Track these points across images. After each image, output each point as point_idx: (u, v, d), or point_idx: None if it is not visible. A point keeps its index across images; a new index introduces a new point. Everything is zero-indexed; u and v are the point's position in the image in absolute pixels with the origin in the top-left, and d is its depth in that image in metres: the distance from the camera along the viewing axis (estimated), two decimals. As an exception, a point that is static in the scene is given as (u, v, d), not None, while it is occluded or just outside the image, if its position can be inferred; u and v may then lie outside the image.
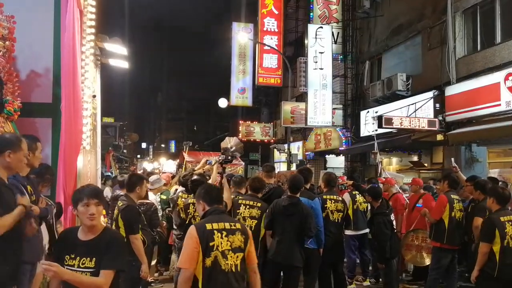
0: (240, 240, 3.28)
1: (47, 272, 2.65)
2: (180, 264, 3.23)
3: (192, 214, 5.37)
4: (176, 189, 7.24)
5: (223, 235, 3.21)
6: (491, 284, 4.75)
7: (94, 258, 2.84)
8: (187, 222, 5.42)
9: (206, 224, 3.24)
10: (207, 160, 7.38)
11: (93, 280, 2.81)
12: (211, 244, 3.16)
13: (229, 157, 6.01)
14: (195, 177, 5.86)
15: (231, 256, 3.21)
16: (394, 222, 7.19)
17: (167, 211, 7.45)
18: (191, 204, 5.43)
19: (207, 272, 3.15)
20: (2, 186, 3.19)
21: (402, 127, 11.71)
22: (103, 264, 2.84)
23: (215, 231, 3.21)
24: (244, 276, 3.34)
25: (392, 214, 7.17)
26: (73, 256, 2.83)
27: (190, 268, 3.14)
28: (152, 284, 7.08)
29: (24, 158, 3.39)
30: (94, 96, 6.60)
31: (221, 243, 3.19)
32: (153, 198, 6.73)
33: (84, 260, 2.84)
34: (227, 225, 3.28)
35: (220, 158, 6.02)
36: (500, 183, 6.88)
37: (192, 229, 3.24)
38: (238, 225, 3.38)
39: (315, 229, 5.39)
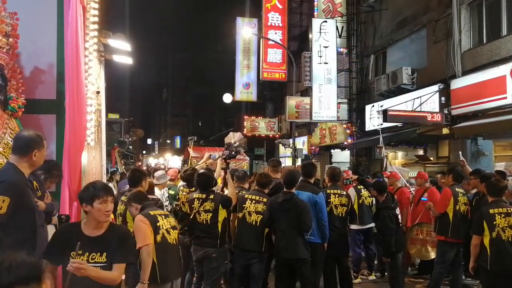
0: (174, 221, 4.34)
1: (77, 270, 2.67)
2: (140, 244, 3.86)
3: (197, 209, 5.33)
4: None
5: (163, 218, 4.15)
6: (489, 277, 4.80)
7: (105, 253, 2.91)
8: (191, 216, 5.41)
9: (149, 212, 4.12)
10: (210, 155, 7.38)
11: (109, 274, 2.91)
12: (158, 224, 4.04)
13: (233, 152, 6.03)
14: (201, 171, 5.87)
15: (172, 232, 4.16)
16: (399, 216, 7.18)
17: (174, 205, 7.46)
18: (196, 199, 5.42)
19: (159, 247, 3.98)
20: (28, 187, 3.28)
21: (407, 120, 11.66)
22: (115, 258, 2.93)
23: (157, 215, 4.11)
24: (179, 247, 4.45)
25: (397, 208, 7.16)
26: (80, 252, 2.84)
27: (150, 245, 3.90)
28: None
29: (45, 154, 3.48)
30: (98, 93, 6.59)
31: (164, 224, 4.10)
32: (158, 193, 6.74)
33: (94, 255, 2.90)
34: (162, 212, 4.27)
35: (224, 153, 6.02)
36: (510, 178, 6.86)
37: (140, 217, 4.05)
38: (167, 212, 4.52)
39: (311, 222, 5.38)
